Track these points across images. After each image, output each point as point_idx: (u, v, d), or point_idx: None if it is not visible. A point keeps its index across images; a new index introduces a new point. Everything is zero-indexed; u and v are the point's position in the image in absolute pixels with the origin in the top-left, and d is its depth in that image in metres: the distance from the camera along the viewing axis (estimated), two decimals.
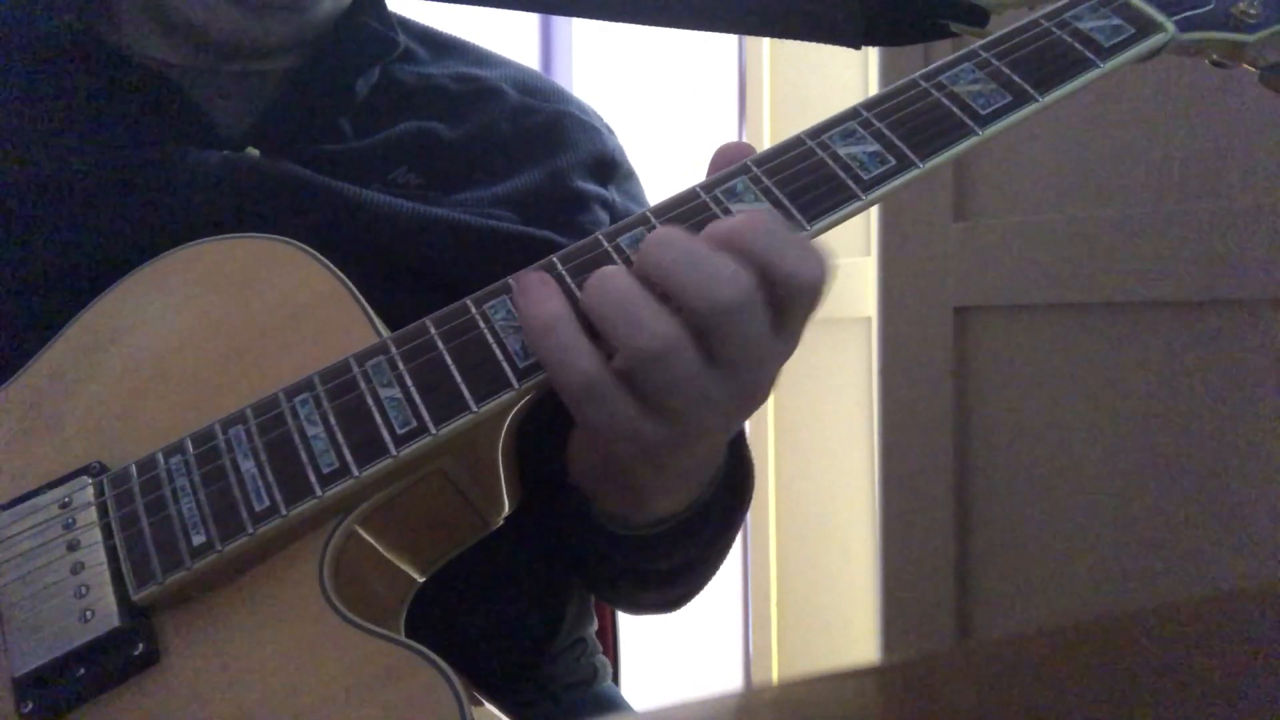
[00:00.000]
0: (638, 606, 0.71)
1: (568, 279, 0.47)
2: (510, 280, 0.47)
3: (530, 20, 1.60)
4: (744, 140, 1.98)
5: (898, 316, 1.33)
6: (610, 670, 0.79)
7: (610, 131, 0.78)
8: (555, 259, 0.48)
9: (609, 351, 0.44)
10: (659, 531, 0.55)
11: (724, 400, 0.45)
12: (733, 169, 0.48)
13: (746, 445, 0.61)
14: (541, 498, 0.60)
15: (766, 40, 1.80)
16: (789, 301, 0.44)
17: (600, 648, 0.78)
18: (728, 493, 0.58)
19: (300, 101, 0.68)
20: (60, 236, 0.61)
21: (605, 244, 0.47)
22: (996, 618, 1.28)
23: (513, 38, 1.56)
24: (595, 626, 0.79)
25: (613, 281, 0.44)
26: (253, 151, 0.65)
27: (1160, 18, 0.49)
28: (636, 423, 0.44)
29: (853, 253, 1.75)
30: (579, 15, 0.72)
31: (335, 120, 0.68)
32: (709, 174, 0.49)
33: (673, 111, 1.77)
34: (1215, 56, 0.51)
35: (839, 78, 1.66)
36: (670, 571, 0.60)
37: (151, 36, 0.68)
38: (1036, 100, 0.48)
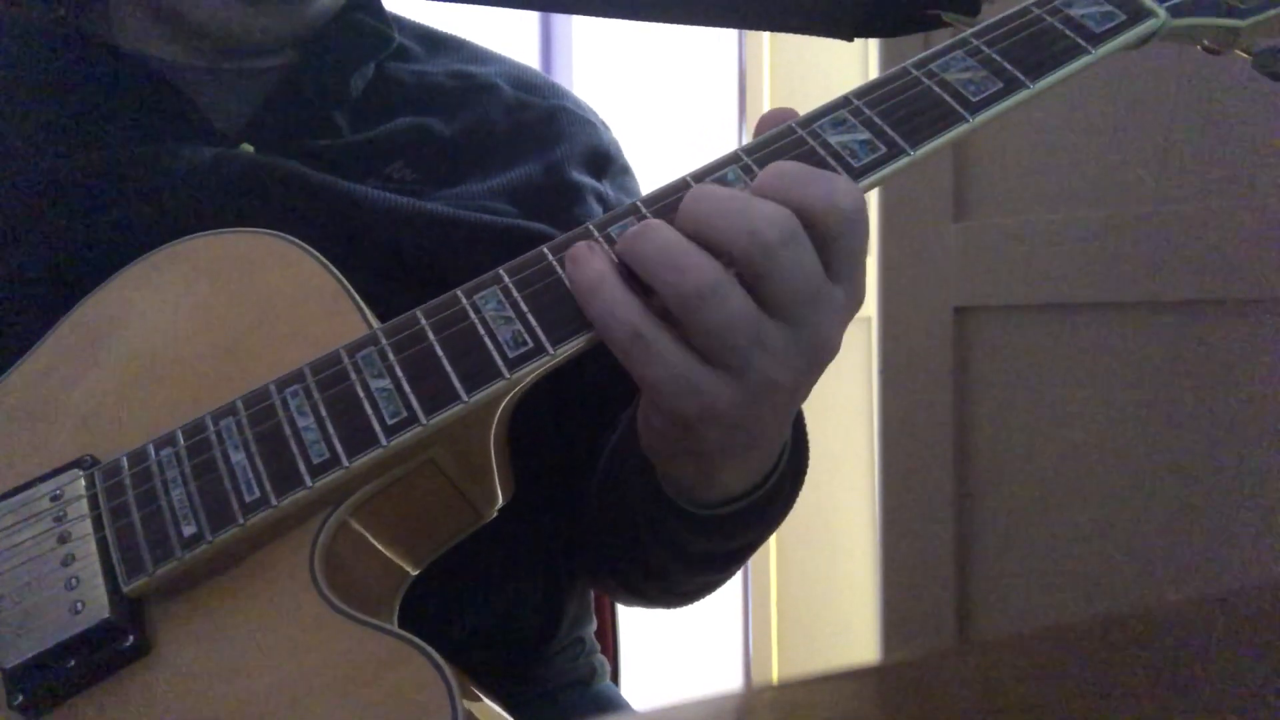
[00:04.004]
0: (672, 596, 0.68)
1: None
2: (537, 255, 0.47)
3: (530, 19, 1.61)
4: (743, 136, 1.98)
5: (898, 316, 1.32)
6: (609, 670, 0.79)
7: (605, 126, 0.78)
8: (546, 249, 0.48)
9: (661, 305, 0.44)
10: (731, 510, 0.54)
11: (785, 350, 0.44)
12: (723, 158, 0.48)
13: (804, 426, 0.60)
14: (571, 481, 0.59)
15: (766, 37, 1.80)
16: (832, 237, 0.44)
17: (599, 647, 0.78)
18: (790, 475, 0.57)
19: (295, 97, 0.68)
20: (54, 233, 0.61)
21: (595, 233, 0.47)
22: (996, 618, 1.27)
23: (513, 37, 1.56)
24: (594, 626, 0.79)
25: (653, 231, 0.44)
26: (247, 147, 0.65)
27: (1152, 3, 0.49)
28: (695, 374, 0.44)
29: None
30: (578, 13, 0.72)
31: (330, 116, 0.68)
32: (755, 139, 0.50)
33: (673, 110, 1.77)
34: (1207, 43, 0.51)
35: (839, 74, 1.66)
36: (728, 554, 0.59)
37: (148, 33, 0.69)
38: (1027, 87, 0.47)
